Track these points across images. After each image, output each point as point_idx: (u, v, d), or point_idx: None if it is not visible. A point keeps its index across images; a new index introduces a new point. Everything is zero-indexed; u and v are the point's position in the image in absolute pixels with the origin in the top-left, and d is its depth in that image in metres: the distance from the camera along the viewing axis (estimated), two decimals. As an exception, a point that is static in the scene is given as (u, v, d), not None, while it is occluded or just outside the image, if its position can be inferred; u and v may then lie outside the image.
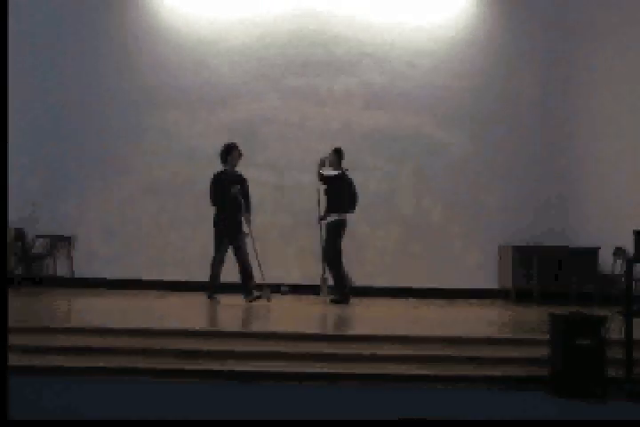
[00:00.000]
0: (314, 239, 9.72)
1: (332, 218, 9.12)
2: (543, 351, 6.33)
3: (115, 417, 4.90)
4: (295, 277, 10.36)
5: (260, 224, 10.62)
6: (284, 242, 10.52)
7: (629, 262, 6.43)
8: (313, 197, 9.61)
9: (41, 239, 10.64)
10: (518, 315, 9.01)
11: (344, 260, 9.12)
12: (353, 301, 9.17)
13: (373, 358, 6.45)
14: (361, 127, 10.85)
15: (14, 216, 10.10)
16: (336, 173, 9.22)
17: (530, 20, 10.83)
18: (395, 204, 10.78)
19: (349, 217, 9.26)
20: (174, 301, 9.29)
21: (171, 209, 10.71)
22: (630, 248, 7.55)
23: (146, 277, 10.43)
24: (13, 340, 6.23)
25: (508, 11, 10.90)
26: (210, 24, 10.88)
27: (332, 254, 9.09)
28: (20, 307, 8.27)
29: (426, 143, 10.87)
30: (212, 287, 8.87)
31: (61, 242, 10.62)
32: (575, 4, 10.76)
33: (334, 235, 9.10)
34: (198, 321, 7.88)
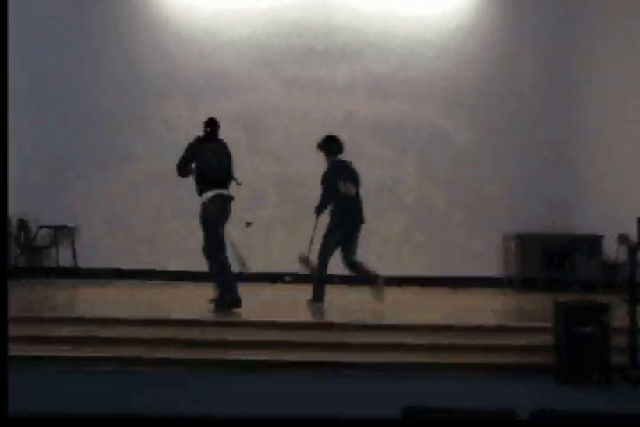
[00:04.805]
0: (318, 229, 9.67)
1: None
2: (548, 339, 6.35)
3: (118, 409, 4.92)
4: (299, 268, 10.27)
5: (263, 214, 10.63)
6: (287, 232, 10.50)
7: (633, 249, 6.44)
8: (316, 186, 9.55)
9: (44, 230, 10.63)
10: (523, 303, 9.03)
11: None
12: (357, 289, 9.10)
13: (380, 347, 6.47)
14: (364, 116, 10.82)
15: (17, 207, 10.09)
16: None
17: (534, 8, 10.76)
18: (398, 192, 10.76)
19: None
20: (176, 291, 9.31)
21: (174, 199, 10.68)
22: (634, 236, 7.56)
23: (149, 267, 10.43)
24: (18, 330, 6.25)
25: (512, 1, 10.84)
26: (213, 14, 10.82)
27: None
28: (23, 298, 8.29)
29: (429, 132, 10.84)
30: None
31: (64, 232, 10.62)
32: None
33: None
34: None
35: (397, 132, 10.79)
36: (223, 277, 7.51)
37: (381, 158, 10.73)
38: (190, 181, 10.24)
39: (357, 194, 8.22)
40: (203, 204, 7.58)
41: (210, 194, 7.54)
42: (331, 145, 8.32)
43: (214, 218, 7.50)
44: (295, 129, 10.75)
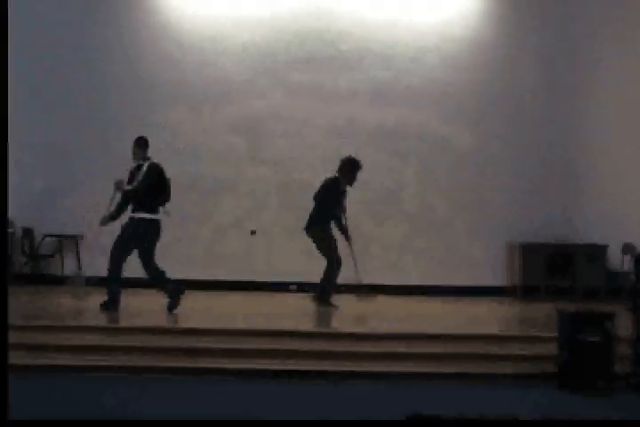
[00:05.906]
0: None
1: None
2: (552, 347, 6.29)
3: (118, 416, 4.86)
4: (302, 276, 10.10)
5: (265, 221, 10.54)
6: (289, 239, 10.35)
7: (637, 258, 6.42)
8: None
9: (49, 239, 10.55)
10: (527, 312, 8.97)
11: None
12: (362, 298, 8.94)
13: (383, 356, 6.41)
14: (366, 123, 10.75)
15: (17, 207, 9.99)
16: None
17: (535, 15, 10.74)
18: (399, 199, 10.69)
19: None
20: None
21: (176, 206, 10.53)
22: (639, 245, 7.52)
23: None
24: (19, 338, 6.19)
25: (512, 6, 10.82)
26: (215, 21, 10.77)
27: None
28: (27, 306, 8.23)
29: (431, 139, 10.79)
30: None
31: (68, 241, 10.53)
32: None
33: None
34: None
35: (399, 139, 10.73)
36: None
37: (383, 165, 10.65)
38: (189, 190, 10.17)
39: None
40: None
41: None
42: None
43: None
44: (297, 135, 10.68)
